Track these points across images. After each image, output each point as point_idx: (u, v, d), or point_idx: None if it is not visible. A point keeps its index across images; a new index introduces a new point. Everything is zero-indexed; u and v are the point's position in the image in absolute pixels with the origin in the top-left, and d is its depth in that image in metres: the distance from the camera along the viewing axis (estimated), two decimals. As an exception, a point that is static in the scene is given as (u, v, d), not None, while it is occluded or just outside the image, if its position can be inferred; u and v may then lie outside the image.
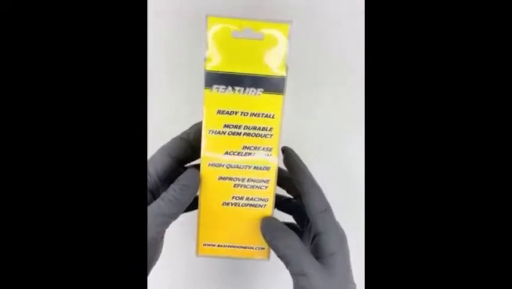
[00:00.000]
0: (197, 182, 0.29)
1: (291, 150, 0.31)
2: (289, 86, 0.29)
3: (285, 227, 0.29)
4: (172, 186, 0.28)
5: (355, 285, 0.29)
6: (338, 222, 0.30)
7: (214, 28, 0.27)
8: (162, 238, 0.29)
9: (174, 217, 0.28)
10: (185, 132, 0.31)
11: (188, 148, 0.31)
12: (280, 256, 0.28)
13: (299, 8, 0.40)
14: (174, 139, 0.31)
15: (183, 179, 0.29)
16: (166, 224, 0.28)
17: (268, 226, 0.29)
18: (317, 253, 0.28)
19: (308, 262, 0.27)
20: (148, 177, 0.30)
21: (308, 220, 0.30)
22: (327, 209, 0.29)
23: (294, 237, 0.28)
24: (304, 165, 0.30)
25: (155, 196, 0.31)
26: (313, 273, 0.26)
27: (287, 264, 0.28)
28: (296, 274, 0.27)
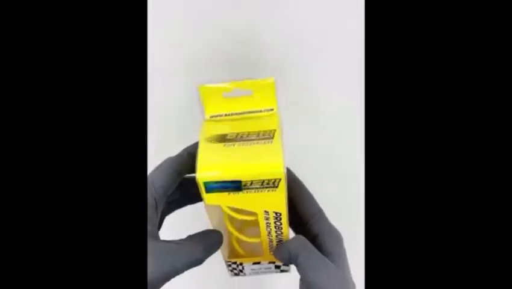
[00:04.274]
0: (218, 246, 0.28)
1: None
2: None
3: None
4: (197, 246, 0.27)
5: (354, 285, 0.29)
6: (332, 224, 0.30)
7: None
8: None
9: (180, 271, 0.26)
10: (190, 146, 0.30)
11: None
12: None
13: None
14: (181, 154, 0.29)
15: (207, 240, 0.28)
16: (170, 276, 0.25)
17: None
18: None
19: (318, 260, 0.27)
20: (153, 191, 0.28)
21: (304, 226, 0.30)
22: (321, 212, 0.30)
23: (302, 239, 0.28)
24: (294, 174, 0.31)
25: (157, 207, 0.28)
26: (323, 271, 0.27)
27: (298, 265, 0.28)
28: (306, 272, 0.27)
